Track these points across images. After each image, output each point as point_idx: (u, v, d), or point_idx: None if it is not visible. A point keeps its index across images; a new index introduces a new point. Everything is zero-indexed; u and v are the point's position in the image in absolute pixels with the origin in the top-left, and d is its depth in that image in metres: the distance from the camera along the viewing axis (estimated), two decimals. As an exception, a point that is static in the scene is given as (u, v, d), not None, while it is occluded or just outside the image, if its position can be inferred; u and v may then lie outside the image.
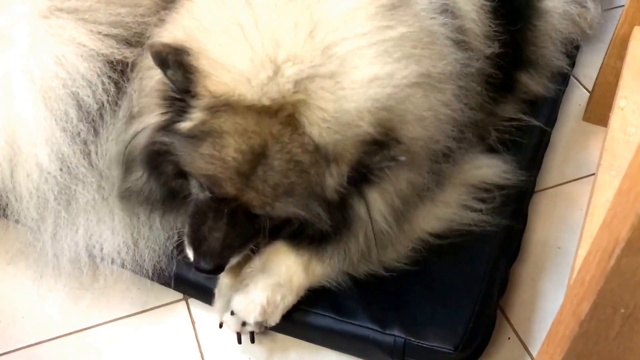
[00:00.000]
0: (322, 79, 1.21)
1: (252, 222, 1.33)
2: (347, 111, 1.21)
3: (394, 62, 1.26)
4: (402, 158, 1.24)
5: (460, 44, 1.43)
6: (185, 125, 1.27)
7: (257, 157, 1.24)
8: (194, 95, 1.25)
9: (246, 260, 1.46)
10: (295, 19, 1.23)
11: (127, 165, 1.39)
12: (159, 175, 1.38)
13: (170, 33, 1.32)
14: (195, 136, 1.26)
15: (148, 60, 1.32)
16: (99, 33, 1.41)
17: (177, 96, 1.28)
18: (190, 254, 1.38)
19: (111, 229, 1.47)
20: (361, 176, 1.29)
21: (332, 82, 1.21)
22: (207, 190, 1.32)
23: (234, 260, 1.38)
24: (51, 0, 1.41)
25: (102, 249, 1.48)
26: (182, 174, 1.36)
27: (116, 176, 1.43)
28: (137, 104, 1.37)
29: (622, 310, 0.81)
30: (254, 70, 1.21)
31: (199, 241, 1.34)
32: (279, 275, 1.44)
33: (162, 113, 1.31)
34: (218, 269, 1.37)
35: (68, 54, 1.39)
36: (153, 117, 1.33)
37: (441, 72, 1.34)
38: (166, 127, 1.30)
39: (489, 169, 1.63)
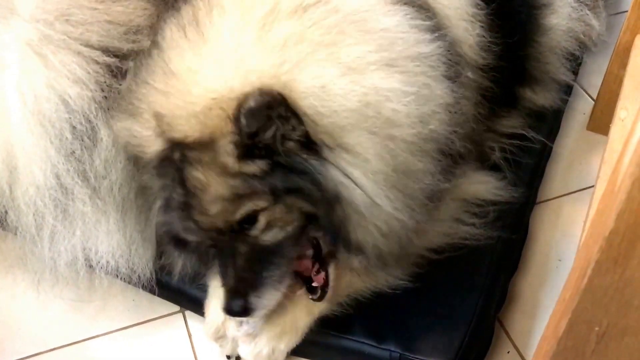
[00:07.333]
0: None
1: (243, 244, 1.32)
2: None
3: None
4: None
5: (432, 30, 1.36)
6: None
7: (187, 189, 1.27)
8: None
9: None
10: None
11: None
12: (185, 252, 1.44)
13: None
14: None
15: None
16: (90, 57, 1.44)
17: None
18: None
19: (106, 231, 1.49)
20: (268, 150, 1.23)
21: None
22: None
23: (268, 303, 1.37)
24: (41, 27, 1.44)
25: (97, 252, 1.49)
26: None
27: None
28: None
29: (597, 329, 0.81)
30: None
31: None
32: (283, 324, 1.46)
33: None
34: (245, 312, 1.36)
35: (59, 78, 1.42)
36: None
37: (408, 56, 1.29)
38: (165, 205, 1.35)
39: (482, 185, 1.62)
